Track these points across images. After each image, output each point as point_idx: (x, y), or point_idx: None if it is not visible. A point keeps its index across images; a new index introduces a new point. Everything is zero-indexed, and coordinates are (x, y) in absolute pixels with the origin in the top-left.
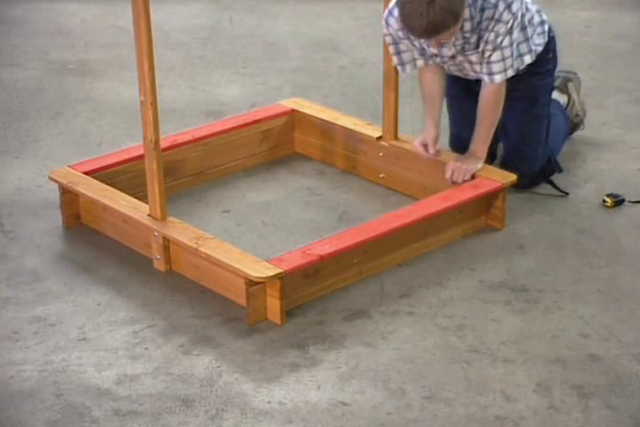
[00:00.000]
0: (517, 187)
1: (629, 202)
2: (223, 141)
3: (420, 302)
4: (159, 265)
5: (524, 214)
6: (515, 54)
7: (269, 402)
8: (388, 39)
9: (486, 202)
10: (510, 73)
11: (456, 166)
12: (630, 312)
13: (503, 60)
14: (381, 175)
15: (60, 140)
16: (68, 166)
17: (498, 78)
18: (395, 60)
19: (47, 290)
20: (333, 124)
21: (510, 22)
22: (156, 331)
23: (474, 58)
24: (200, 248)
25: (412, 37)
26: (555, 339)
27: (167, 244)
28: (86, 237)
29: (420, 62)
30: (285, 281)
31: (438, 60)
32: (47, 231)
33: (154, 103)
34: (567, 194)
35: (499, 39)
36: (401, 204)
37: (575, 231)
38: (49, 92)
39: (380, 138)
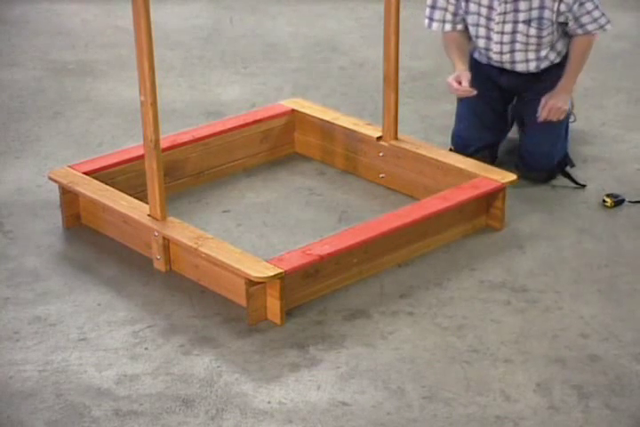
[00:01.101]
0: (534, 181)
1: (629, 202)
2: (223, 141)
3: (419, 302)
4: (159, 265)
5: (524, 214)
6: (599, 8)
7: (269, 402)
8: None
9: (486, 202)
10: (607, 25)
11: (552, 105)
12: (630, 312)
13: (589, 12)
14: (381, 175)
15: (60, 140)
16: (68, 166)
17: (590, 28)
18: (427, 12)
19: (47, 290)
20: (333, 124)
21: None
22: (155, 331)
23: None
24: (200, 248)
25: None
26: (555, 339)
27: (167, 244)
28: (86, 237)
29: (447, 26)
30: (285, 281)
31: (483, 23)
32: (47, 231)
33: (154, 103)
34: (584, 186)
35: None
36: (401, 204)
37: (575, 231)
38: (49, 92)
39: (380, 138)
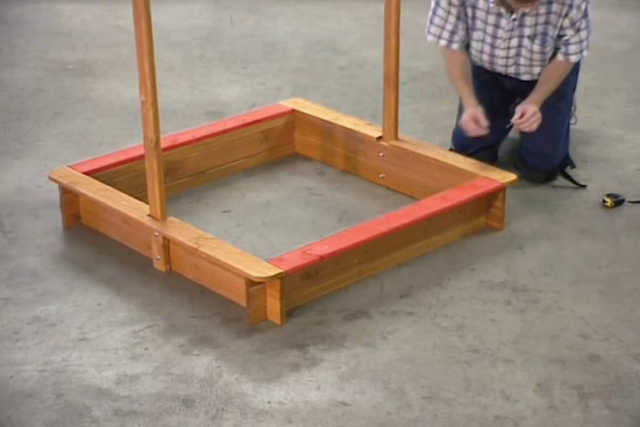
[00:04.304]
0: (534, 181)
1: (629, 202)
2: (223, 141)
3: (419, 302)
4: (159, 265)
5: (524, 214)
6: (589, 37)
7: (269, 402)
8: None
9: (486, 202)
10: (585, 54)
11: (534, 113)
12: (630, 312)
13: (580, 42)
14: (381, 175)
15: (60, 141)
16: (68, 166)
17: (574, 58)
18: (427, 24)
19: (47, 290)
20: (333, 124)
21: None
22: (155, 331)
23: (527, 40)
24: (200, 248)
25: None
26: (555, 339)
27: (167, 244)
28: (86, 237)
29: (442, 42)
30: (285, 281)
31: (488, 41)
32: (47, 231)
33: (154, 103)
34: (585, 186)
35: (577, 22)
36: (401, 204)
37: (575, 231)
38: (49, 92)
39: (380, 138)
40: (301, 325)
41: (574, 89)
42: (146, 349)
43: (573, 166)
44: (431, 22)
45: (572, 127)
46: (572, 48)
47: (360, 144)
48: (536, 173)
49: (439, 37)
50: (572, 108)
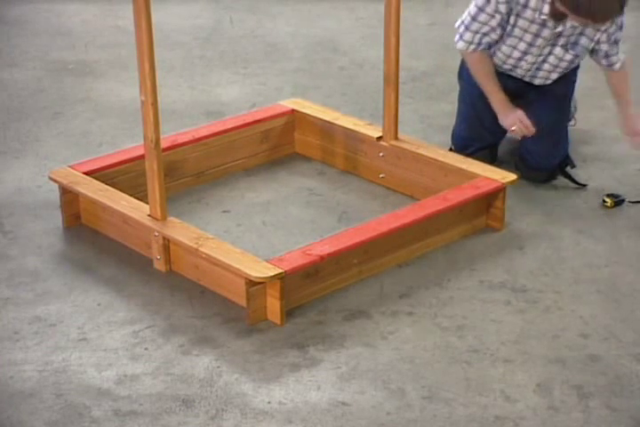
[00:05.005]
0: (534, 181)
1: (629, 202)
2: (223, 141)
3: (419, 303)
4: (159, 265)
5: (524, 214)
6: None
7: (269, 402)
8: (502, 7)
9: (486, 202)
10: (622, 58)
11: None
12: (630, 312)
13: (617, 53)
14: (381, 175)
15: (60, 140)
16: (68, 166)
17: (618, 66)
18: (460, 30)
19: (47, 290)
20: (333, 124)
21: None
22: (156, 331)
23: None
24: (200, 248)
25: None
26: (555, 339)
27: (167, 244)
28: (86, 237)
29: (472, 47)
30: (285, 281)
31: (522, 48)
32: (47, 231)
33: (154, 103)
34: (585, 186)
35: (613, 35)
36: (401, 204)
37: (575, 231)
38: (49, 92)
39: (380, 138)
40: (301, 325)
41: (574, 89)
42: (146, 349)
43: (573, 166)
44: (467, 28)
45: (571, 127)
46: (614, 59)
47: (360, 144)
48: (536, 173)
49: (470, 43)
50: (572, 108)
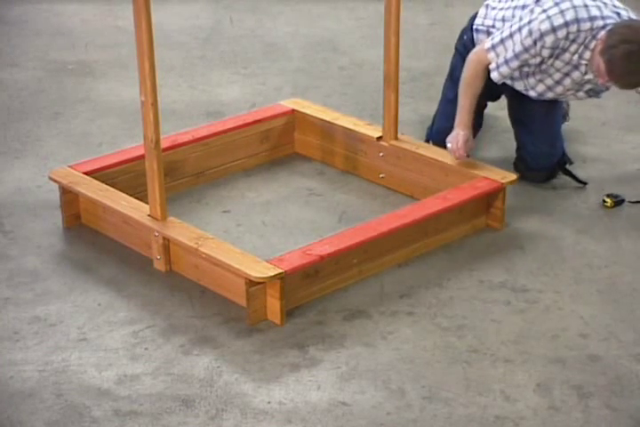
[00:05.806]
0: (534, 181)
1: (629, 202)
2: (223, 141)
3: (419, 302)
4: (159, 265)
5: (524, 214)
6: None
7: (269, 402)
8: (546, 52)
9: (486, 202)
10: None
11: None
12: (630, 312)
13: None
14: (381, 175)
15: (60, 140)
16: (68, 166)
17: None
18: (499, 61)
19: (47, 290)
20: (333, 124)
21: None
22: (156, 331)
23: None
24: (200, 248)
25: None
26: (555, 339)
27: (167, 244)
28: (86, 237)
29: (501, 79)
30: (285, 281)
31: (549, 84)
32: (47, 231)
33: (154, 103)
34: (586, 184)
35: None
36: (401, 204)
37: (575, 231)
38: (49, 93)
39: (380, 138)
40: (301, 325)
41: None
42: (146, 349)
43: (571, 163)
44: (506, 63)
45: (570, 126)
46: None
47: (360, 144)
48: (536, 173)
49: (505, 77)
50: (565, 105)
